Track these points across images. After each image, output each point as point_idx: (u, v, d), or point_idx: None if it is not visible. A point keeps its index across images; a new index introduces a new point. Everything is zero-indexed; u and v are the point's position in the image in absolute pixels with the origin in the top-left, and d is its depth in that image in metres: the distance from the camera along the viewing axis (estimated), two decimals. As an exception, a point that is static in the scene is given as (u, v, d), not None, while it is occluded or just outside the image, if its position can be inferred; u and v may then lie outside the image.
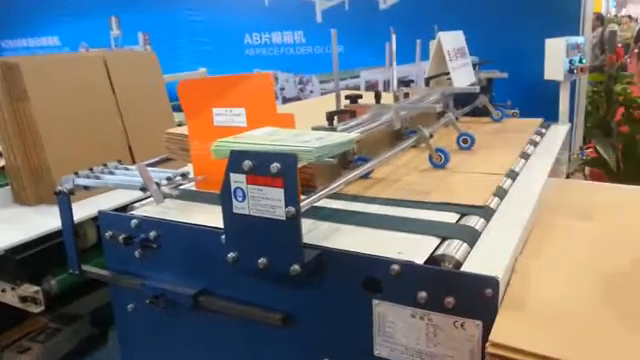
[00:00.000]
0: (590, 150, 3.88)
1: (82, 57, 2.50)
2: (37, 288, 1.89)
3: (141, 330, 1.43)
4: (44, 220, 1.87)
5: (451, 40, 2.04)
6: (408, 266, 0.99)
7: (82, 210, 1.60)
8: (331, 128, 1.37)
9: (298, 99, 3.85)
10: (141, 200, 1.47)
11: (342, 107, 1.56)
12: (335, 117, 1.44)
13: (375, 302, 1.04)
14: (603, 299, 0.97)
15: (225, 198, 1.06)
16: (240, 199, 1.05)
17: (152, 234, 1.30)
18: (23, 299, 1.88)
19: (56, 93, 2.04)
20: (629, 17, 14.31)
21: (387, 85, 3.46)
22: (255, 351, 1.23)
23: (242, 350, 1.25)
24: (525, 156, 1.75)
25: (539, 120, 2.31)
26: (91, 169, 1.45)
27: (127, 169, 1.51)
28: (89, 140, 2.08)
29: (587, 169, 3.58)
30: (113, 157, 1.58)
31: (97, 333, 2.28)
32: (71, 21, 4.70)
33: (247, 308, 1.18)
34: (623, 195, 1.57)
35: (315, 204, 1.19)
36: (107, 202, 1.59)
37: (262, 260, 1.06)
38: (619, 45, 8.15)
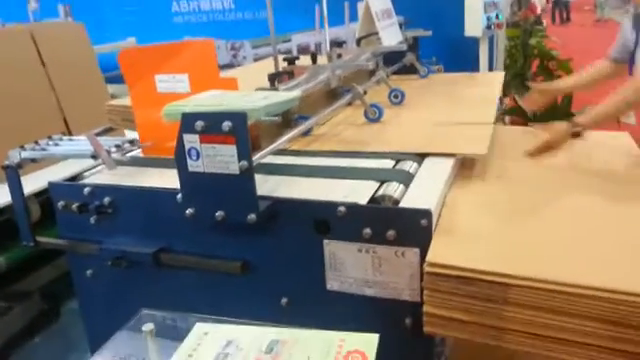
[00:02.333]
0: (510, 100, 4.15)
1: (7, 31, 2.41)
2: (-15, 266, 1.89)
3: (102, 294, 1.48)
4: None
5: (378, 2, 2.15)
6: (353, 207, 1.11)
7: (25, 186, 1.60)
8: (274, 88, 1.45)
9: (232, 65, 3.86)
10: (88, 170, 1.50)
11: (280, 70, 1.64)
12: (276, 78, 1.52)
13: (325, 242, 1.15)
14: (517, 221, 1.14)
15: (180, 158, 1.13)
16: (194, 158, 1.12)
17: (106, 200, 1.34)
18: (-29, 279, 1.87)
19: (-17, 70, 1.99)
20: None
21: (319, 48, 3.54)
22: (218, 300, 1.32)
23: (205, 301, 1.33)
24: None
25: (464, 74, 2.48)
26: (36, 142, 1.46)
27: (72, 140, 1.53)
28: (24, 115, 2.05)
29: (507, 118, 3.84)
30: (49, 131, 1.58)
31: (48, 309, 2.29)
32: (-18, -5, 4.43)
33: (207, 260, 1.27)
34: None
35: (263, 160, 1.28)
36: (51, 176, 1.59)
37: (219, 213, 1.14)
38: (532, 1, 8.59)
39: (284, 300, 1.24)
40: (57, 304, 2.31)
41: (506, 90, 4.00)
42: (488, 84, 2.22)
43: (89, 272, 1.45)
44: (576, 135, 1.41)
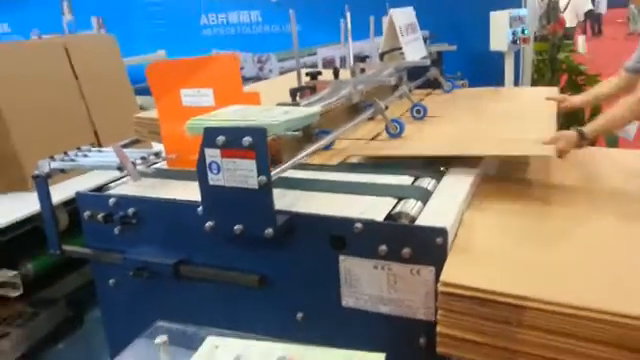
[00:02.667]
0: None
1: (43, 44, 2.50)
2: (15, 272, 1.95)
3: (123, 303, 1.51)
4: (15, 206, 1.91)
5: (402, 16, 2.16)
6: (369, 223, 1.12)
7: (54, 195, 1.65)
8: (295, 104, 1.47)
9: (258, 78, 3.92)
10: (115, 181, 1.54)
11: (303, 84, 1.67)
12: (298, 93, 1.54)
13: (342, 258, 1.16)
14: (533, 242, 1.13)
15: (201, 172, 1.16)
16: (215, 172, 1.15)
17: (131, 211, 1.38)
18: (1, 285, 1.93)
19: (19, 81, 2.07)
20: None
21: (344, 61, 3.56)
22: (235, 312, 1.34)
23: (223, 312, 1.35)
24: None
25: (489, 88, 2.46)
26: (66, 152, 1.51)
27: (100, 151, 1.57)
28: (55, 126, 2.12)
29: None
30: (79, 142, 1.63)
31: (73, 316, 2.35)
32: (21, 7, 4.59)
33: (225, 273, 1.29)
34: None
35: (283, 175, 1.30)
36: (75, 187, 1.63)
37: (238, 227, 1.16)
38: (561, 15, 8.48)
39: (300, 315, 1.25)
40: (81, 311, 2.37)
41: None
42: (512, 99, 2.21)
43: (112, 281, 1.49)
44: (580, 146, 1.48)
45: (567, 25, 11.02)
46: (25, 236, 1.93)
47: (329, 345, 0.89)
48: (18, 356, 2.09)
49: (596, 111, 3.90)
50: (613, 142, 3.49)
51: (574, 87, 4.50)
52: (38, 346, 2.17)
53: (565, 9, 10.54)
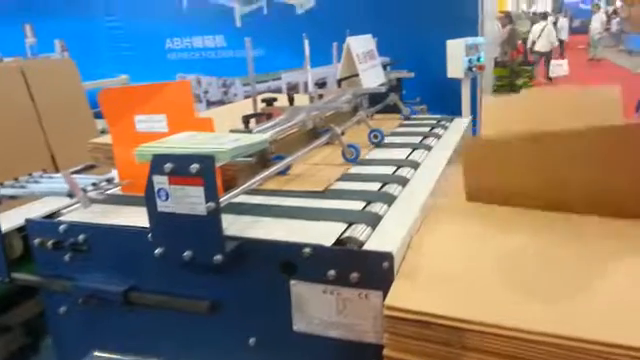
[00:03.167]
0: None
1: (-2, 68, 2.47)
2: (-36, 301, 1.88)
3: (74, 331, 1.48)
4: (-34, 233, 1.86)
5: (360, 44, 2.21)
6: (318, 248, 1.13)
7: (6, 221, 1.61)
8: (247, 130, 1.49)
9: (222, 102, 3.93)
10: (67, 207, 1.52)
11: (259, 110, 1.69)
12: (252, 120, 1.55)
13: (292, 282, 1.17)
14: (479, 264, 1.16)
15: (149, 198, 1.16)
16: (163, 198, 1.15)
17: (81, 237, 1.36)
18: (-50, 313, 1.86)
19: (-28, 105, 2.03)
20: (533, 13, 15.29)
21: (307, 86, 3.61)
22: (186, 339, 1.33)
23: (174, 339, 1.34)
24: (427, 148, 1.94)
25: (442, 116, 2.52)
26: (16, 179, 1.48)
27: (51, 177, 1.55)
28: (10, 150, 2.08)
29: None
30: (36, 166, 1.62)
31: (29, 343, 2.28)
32: (-18, 29, 4.54)
33: (175, 300, 1.28)
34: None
35: (236, 200, 1.31)
36: (30, 212, 1.61)
37: (187, 253, 1.16)
38: (519, 42, 8.82)
39: (252, 340, 1.25)
40: (37, 339, 2.30)
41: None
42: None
43: (62, 309, 1.46)
44: None
45: (542, 50, 11.45)
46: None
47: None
48: (-30, 386, 2.01)
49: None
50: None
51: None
52: (-8, 373, 2.09)
53: (539, 36, 10.98)
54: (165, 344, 1.36)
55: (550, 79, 10.33)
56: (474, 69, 2.58)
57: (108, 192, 1.50)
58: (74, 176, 1.40)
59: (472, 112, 2.86)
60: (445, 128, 2.30)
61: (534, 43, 11.06)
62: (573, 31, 18.83)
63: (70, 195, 1.37)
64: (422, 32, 3.24)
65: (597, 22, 16.23)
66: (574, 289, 1.07)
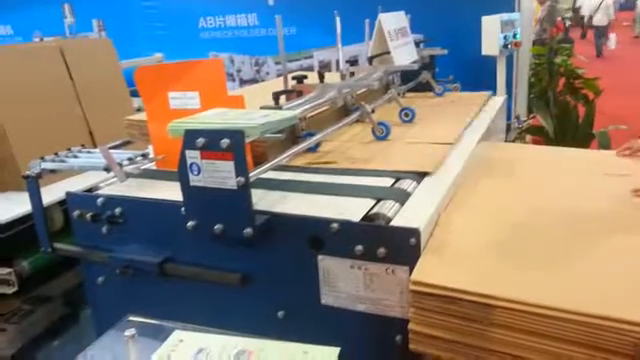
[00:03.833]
0: (535, 119, 4.11)
1: (39, 47, 2.54)
2: (9, 270, 1.98)
3: (112, 301, 1.54)
4: (11, 205, 1.95)
5: (392, 21, 2.18)
6: (345, 224, 1.14)
7: (48, 195, 1.68)
8: (277, 107, 1.50)
9: (255, 80, 3.95)
10: (105, 181, 1.58)
11: (289, 87, 1.69)
12: (281, 96, 1.57)
13: (320, 257, 1.19)
14: (505, 243, 1.15)
15: (182, 173, 1.19)
16: (195, 173, 1.17)
17: (117, 210, 1.41)
18: (-4, 282, 1.96)
19: (15, 84, 2.10)
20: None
21: (338, 64, 3.58)
22: (218, 309, 1.36)
23: (206, 310, 1.38)
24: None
25: (479, 93, 2.48)
26: (56, 153, 1.54)
27: (90, 152, 1.61)
28: (51, 127, 2.15)
29: (528, 137, 3.81)
30: (75, 143, 1.67)
31: (69, 313, 2.38)
32: (23, 9, 4.65)
33: (208, 271, 1.32)
34: (544, 155, 1.76)
35: (266, 175, 1.33)
36: (71, 186, 1.67)
37: (218, 226, 1.19)
38: (559, 19, 8.53)
39: (281, 313, 1.28)
40: (77, 309, 2.40)
41: (531, 108, 3.99)
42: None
43: (100, 279, 1.52)
44: None
45: (599, 24, 11.05)
46: (22, 234, 1.96)
47: (309, 342, 0.91)
48: (14, 352, 2.12)
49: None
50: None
51: (571, 90, 4.52)
52: (33, 343, 2.20)
53: (597, 10, 10.62)
54: (197, 314, 1.40)
55: (599, 55, 9.89)
56: (510, 46, 2.52)
57: (143, 167, 1.54)
58: (111, 151, 1.44)
59: (507, 91, 2.80)
60: (479, 106, 2.26)
61: (591, 18, 10.67)
62: (619, 7, 18.05)
63: (107, 169, 1.42)
64: (456, 8, 3.17)
65: (645, -2, 15.54)
66: (606, 269, 1.05)
